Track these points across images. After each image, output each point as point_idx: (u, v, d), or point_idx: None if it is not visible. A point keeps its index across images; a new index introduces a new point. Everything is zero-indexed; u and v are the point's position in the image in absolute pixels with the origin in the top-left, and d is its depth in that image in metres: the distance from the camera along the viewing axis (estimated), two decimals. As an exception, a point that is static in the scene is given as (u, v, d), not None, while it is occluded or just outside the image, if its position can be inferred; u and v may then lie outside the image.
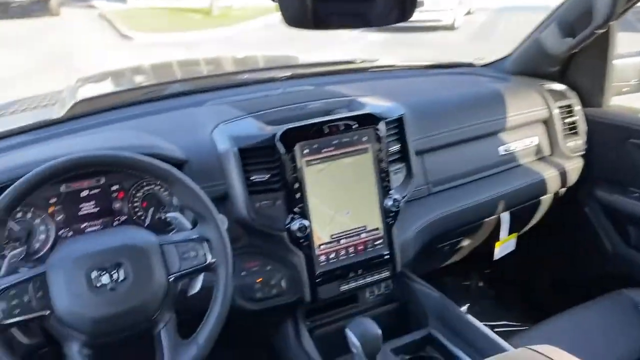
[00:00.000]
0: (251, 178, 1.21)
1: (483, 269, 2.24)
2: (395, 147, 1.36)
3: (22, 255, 0.98)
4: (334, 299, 1.32)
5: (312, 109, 1.35)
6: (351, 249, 1.29)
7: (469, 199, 1.52)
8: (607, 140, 1.69)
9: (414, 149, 1.42)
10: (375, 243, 1.32)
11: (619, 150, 1.65)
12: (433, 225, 1.45)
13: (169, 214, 1.10)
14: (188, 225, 1.06)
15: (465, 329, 1.26)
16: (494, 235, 1.68)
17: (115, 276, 0.92)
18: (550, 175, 1.66)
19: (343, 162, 1.27)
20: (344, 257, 1.29)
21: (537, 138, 1.69)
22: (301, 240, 1.23)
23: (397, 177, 1.37)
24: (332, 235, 1.27)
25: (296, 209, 1.22)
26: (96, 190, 1.17)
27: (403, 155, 1.38)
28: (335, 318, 1.38)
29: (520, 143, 1.65)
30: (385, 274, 1.35)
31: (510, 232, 1.69)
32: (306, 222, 1.22)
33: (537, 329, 1.41)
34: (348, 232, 1.29)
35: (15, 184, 0.90)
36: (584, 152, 1.74)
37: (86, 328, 0.91)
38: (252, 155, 1.21)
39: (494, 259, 1.70)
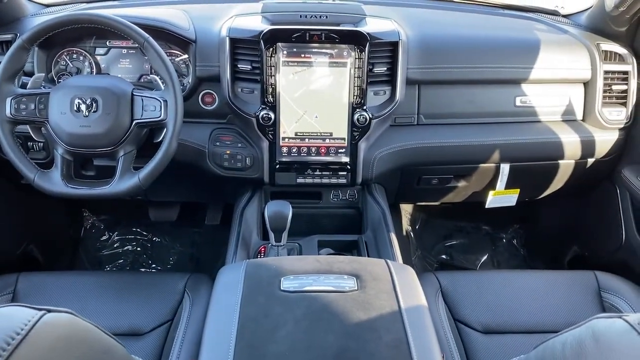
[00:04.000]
0: (238, 66, 1.42)
1: (519, 225, 2.20)
2: (382, 69, 1.44)
3: (43, 78, 1.35)
4: (293, 188, 1.52)
5: (319, 20, 1.48)
6: (313, 149, 1.46)
7: (462, 138, 1.54)
8: (652, 119, 1.53)
9: (411, 77, 1.48)
10: (339, 151, 1.47)
11: (660, 132, 1.49)
12: (412, 152, 1.53)
13: (150, 76, 1.39)
14: (162, 87, 1.33)
15: (382, 243, 1.38)
16: (494, 185, 1.67)
17: (90, 107, 1.25)
18: (571, 141, 1.57)
19: (320, 70, 1.41)
20: (305, 154, 1.46)
21: (568, 98, 1.58)
22: (267, 129, 1.44)
23: (378, 98, 1.46)
24: (298, 132, 1.45)
25: (267, 101, 1.42)
26: None
27: (391, 79, 1.45)
28: (297, 206, 1.58)
29: (545, 99, 1.57)
30: (343, 180, 1.50)
31: (512, 187, 1.66)
32: (271, 114, 1.41)
33: (505, 271, 1.46)
34: (313, 134, 1.45)
35: (38, 24, 1.25)
36: (624, 126, 1.58)
37: (65, 138, 1.26)
38: (241, 46, 1.41)
39: (486, 207, 1.70)
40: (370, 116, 1.44)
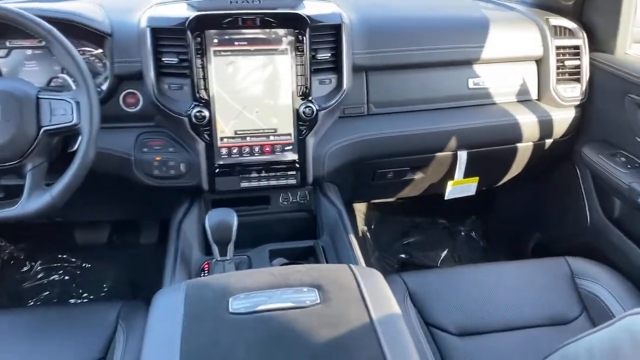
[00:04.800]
0: (162, 59, 1.25)
1: (476, 217, 2.12)
2: (326, 55, 1.30)
3: None
4: (237, 194, 1.35)
5: (252, 5, 1.33)
6: (257, 149, 1.30)
7: (415, 126, 1.43)
8: (607, 92, 1.46)
9: (358, 63, 1.36)
10: (285, 148, 1.32)
11: (617, 106, 1.43)
12: (364, 144, 1.40)
13: (59, 76, 1.19)
14: (74, 87, 1.14)
15: (341, 246, 1.24)
16: (452, 175, 1.57)
17: None
18: (528, 122, 1.49)
19: (257, 59, 1.26)
20: (247, 154, 1.30)
21: (522, 77, 1.51)
22: (202, 129, 1.27)
23: (324, 87, 1.33)
24: (237, 131, 1.29)
25: (199, 97, 1.25)
26: None
27: (336, 67, 1.32)
28: (243, 214, 1.42)
29: (498, 80, 1.49)
30: (292, 181, 1.35)
31: (472, 175, 1.57)
32: (205, 111, 1.25)
33: (472, 266, 1.36)
34: (255, 131, 1.29)
35: None
36: (580, 103, 1.52)
37: None
38: (165, 37, 1.24)
39: (445, 199, 1.60)
40: (317, 108, 1.30)
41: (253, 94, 1.27)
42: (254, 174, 1.32)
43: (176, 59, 1.24)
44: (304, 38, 1.26)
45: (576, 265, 1.32)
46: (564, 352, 0.57)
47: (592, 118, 1.52)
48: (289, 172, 1.34)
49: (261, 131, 1.29)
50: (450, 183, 1.57)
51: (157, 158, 1.29)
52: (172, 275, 1.15)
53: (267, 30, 1.25)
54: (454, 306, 1.23)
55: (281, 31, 1.25)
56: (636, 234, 1.41)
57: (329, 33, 1.30)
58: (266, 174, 1.33)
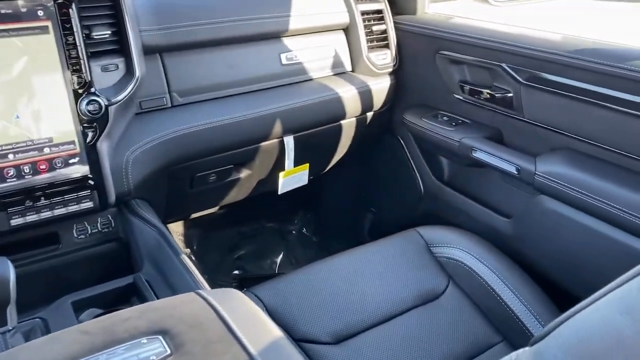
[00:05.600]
0: None
1: (305, 212, 1.97)
2: (104, 33, 1.00)
3: None
4: (8, 237, 0.96)
5: None
6: (26, 169, 0.94)
7: (231, 114, 1.20)
8: (418, 54, 1.43)
9: (148, 43, 1.08)
10: (69, 162, 0.97)
11: (429, 66, 1.39)
12: (175, 143, 1.13)
13: None
14: None
15: (172, 273, 0.96)
16: (282, 166, 1.38)
17: None
18: (348, 95, 1.37)
19: (6, 44, 0.90)
20: (13, 179, 0.93)
21: (333, 49, 1.39)
22: None
23: (110, 75, 1.02)
24: (-8, 147, 0.91)
25: None
26: None
27: (121, 47, 1.03)
28: (22, 263, 1.03)
29: (310, 53, 1.35)
30: (88, 204, 1.01)
31: (301, 162, 1.40)
32: None
33: (322, 262, 1.16)
34: (18, 146, 0.93)
35: None
36: (393, 69, 1.46)
37: None
38: None
39: (279, 193, 1.41)
40: (106, 102, 0.99)
41: (9, 94, 0.91)
42: (30, 204, 0.95)
43: None
44: (71, 10, 0.94)
45: (427, 233, 1.24)
46: (628, 289, 0.41)
47: (407, 84, 1.48)
48: (81, 193, 1.00)
49: (29, 143, 0.93)
50: (281, 175, 1.37)
51: None
52: None
53: (13, 1, 0.90)
54: (320, 311, 1.04)
55: (33, 3, 0.91)
56: (471, 191, 1.39)
57: (103, 5, 1.00)
58: (47, 202, 0.97)
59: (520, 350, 0.50)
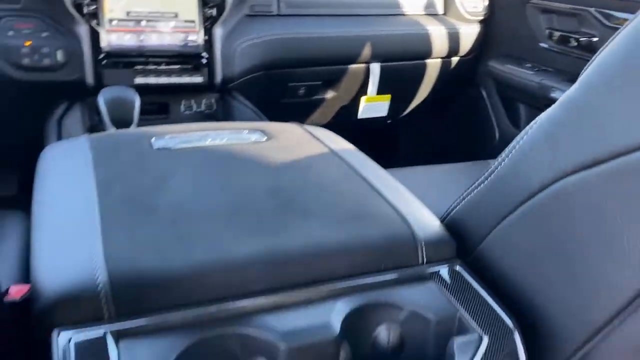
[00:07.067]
0: None
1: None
2: None
3: None
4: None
5: None
6: (154, 36, 1.10)
7: (328, 29, 1.32)
8: (509, 4, 1.49)
9: None
10: (189, 38, 1.13)
11: (517, 18, 1.45)
12: (276, 45, 1.26)
13: None
14: None
15: None
16: (365, 91, 1.48)
17: None
18: (437, 34, 1.46)
19: None
20: (143, 41, 1.09)
21: (428, -10, 1.48)
22: (86, 9, 1.04)
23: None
24: (130, 12, 1.07)
25: (81, -35, 1.02)
26: None
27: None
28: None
29: (406, -10, 1.45)
30: (198, 79, 1.16)
31: (384, 93, 1.50)
32: None
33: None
34: (152, 15, 1.09)
35: None
36: (483, 17, 1.53)
37: None
38: None
39: (358, 117, 1.51)
40: (225, -11, 1.14)
41: (147, -32, 1.08)
42: (152, 67, 1.11)
43: None
44: None
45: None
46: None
47: (496, 33, 1.54)
48: (194, 68, 1.15)
49: (159, 14, 1.09)
50: (363, 99, 1.48)
51: (27, 43, 1.03)
52: None
53: None
54: None
55: None
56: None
57: None
58: (167, 68, 1.12)
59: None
